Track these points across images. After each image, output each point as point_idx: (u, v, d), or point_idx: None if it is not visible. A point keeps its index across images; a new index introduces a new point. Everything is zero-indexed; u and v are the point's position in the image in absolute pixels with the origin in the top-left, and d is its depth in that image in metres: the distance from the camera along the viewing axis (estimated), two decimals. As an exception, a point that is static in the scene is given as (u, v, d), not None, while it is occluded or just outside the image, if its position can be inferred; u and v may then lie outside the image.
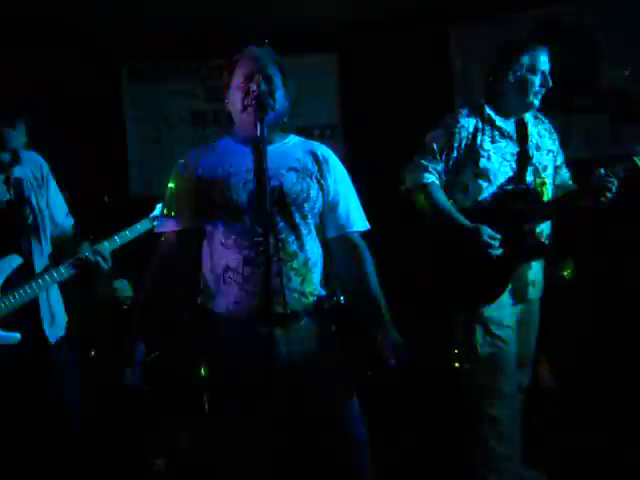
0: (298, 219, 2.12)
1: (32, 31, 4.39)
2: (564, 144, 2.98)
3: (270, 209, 1.97)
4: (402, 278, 2.83)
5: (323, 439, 2.12)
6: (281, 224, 2.09)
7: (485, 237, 2.62)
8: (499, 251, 2.64)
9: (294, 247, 2.11)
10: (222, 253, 2.11)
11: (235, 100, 2.14)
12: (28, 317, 2.42)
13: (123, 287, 3.86)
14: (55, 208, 2.60)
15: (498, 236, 2.63)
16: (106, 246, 2.56)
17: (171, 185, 2.20)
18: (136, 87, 5.07)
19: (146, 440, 3.22)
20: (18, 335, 2.38)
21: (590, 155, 4.06)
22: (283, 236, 2.09)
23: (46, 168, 2.58)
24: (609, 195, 2.64)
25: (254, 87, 2.07)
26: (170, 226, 2.18)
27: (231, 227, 2.09)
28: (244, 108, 2.10)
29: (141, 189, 5.02)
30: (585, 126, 4.20)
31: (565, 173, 2.94)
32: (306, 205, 2.13)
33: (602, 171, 2.66)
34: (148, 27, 4.58)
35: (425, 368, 3.70)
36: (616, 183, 2.64)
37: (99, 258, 2.52)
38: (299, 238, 2.12)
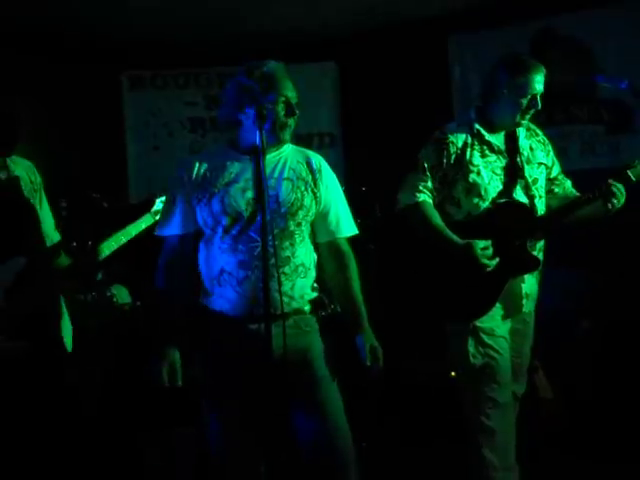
0: (292, 227, 2.22)
1: (32, 39, 4.41)
2: (562, 155, 2.99)
3: (267, 217, 2.08)
4: (398, 288, 2.84)
5: (309, 433, 2.21)
6: (276, 231, 2.16)
7: (478, 251, 2.63)
8: (493, 262, 2.66)
9: (287, 253, 2.20)
10: (218, 256, 2.22)
11: None
12: (43, 324, 2.39)
13: (121, 293, 3.86)
14: (46, 220, 2.55)
15: (489, 246, 2.64)
16: (102, 252, 2.52)
17: (171, 190, 2.30)
18: (136, 95, 5.09)
19: (142, 440, 3.23)
20: (28, 344, 2.32)
21: (588, 166, 4.09)
22: (277, 242, 2.16)
23: (39, 178, 2.55)
24: (615, 201, 2.65)
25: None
26: (171, 230, 2.28)
27: (228, 232, 2.19)
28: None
29: (140, 195, 5.03)
30: (582, 137, 4.23)
31: (566, 182, 2.93)
32: (300, 213, 2.23)
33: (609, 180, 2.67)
34: (148, 36, 4.60)
35: (421, 378, 3.73)
36: (622, 190, 2.66)
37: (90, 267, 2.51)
38: (292, 245, 2.22)
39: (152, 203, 2.77)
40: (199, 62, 5.04)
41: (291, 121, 2.21)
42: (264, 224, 2.04)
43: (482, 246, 2.64)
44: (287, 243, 2.20)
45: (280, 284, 2.15)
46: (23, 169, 2.50)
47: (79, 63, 4.69)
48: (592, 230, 2.77)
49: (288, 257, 2.20)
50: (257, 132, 2.08)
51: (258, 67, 2.19)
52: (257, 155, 2.03)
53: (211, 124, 5.12)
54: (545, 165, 2.86)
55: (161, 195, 2.65)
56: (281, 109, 2.17)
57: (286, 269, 2.19)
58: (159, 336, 2.23)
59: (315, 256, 2.32)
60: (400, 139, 3.80)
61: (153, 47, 4.80)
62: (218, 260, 2.21)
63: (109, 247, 2.56)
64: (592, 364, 3.64)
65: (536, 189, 2.79)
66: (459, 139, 2.75)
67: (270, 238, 2.11)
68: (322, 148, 4.94)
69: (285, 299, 2.17)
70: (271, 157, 2.23)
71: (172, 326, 2.23)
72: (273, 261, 2.13)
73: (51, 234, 2.57)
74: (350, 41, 4.86)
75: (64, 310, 2.51)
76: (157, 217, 2.62)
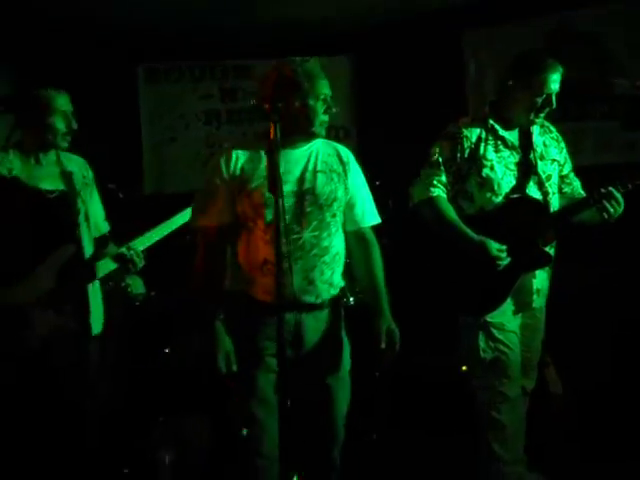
0: (329, 218, 2.33)
1: (48, 31, 4.44)
2: (577, 151, 2.97)
3: (306, 209, 2.26)
4: (410, 282, 2.86)
5: (315, 414, 2.36)
6: (315, 222, 2.28)
7: (494, 251, 2.64)
8: (506, 261, 2.66)
9: (326, 243, 2.31)
10: (261, 247, 2.27)
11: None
12: (77, 307, 2.58)
13: (135, 284, 3.90)
14: (97, 212, 2.76)
15: (504, 249, 2.65)
16: (144, 241, 2.69)
17: (210, 180, 2.31)
18: (152, 87, 5.12)
19: (154, 433, 3.27)
20: (76, 322, 2.55)
21: (603, 162, 4.08)
22: (317, 233, 2.29)
23: (91, 173, 2.77)
24: (611, 208, 2.64)
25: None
26: (209, 220, 2.30)
27: (270, 224, 2.22)
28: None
29: (156, 187, 5.09)
30: (598, 133, 4.21)
31: (575, 182, 2.93)
32: (335, 204, 2.34)
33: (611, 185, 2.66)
34: (164, 28, 4.63)
35: (433, 372, 3.75)
36: (620, 196, 2.65)
37: (134, 255, 2.64)
38: (330, 235, 2.32)
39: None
40: (214, 54, 5.06)
41: (328, 118, 2.30)
42: (278, 219, 2.05)
43: (498, 247, 2.65)
44: (325, 233, 2.30)
45: (322, 273, 2.28)
46: (76, 164, 2.70)
47: (95, 56, 4.72)
48: (605, 226, 2.75)
49: (327, 247, 2.30)
50: (277, 126, 2.08)
51: (301, 64, 2.27)
52: (271, 150, 2.05)
53: (227, 116, 5.16)
54: (558, 162, 2.86)
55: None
56: (320, 106, 2.26)
57: (326, 258, 2.30)
58: (209, 325, 2.25)
59: (345, 245, 2.41)
60: (414, 133, 3.79)
61: (168, 39, 4.83)
62: (261, 251, 2.26)
63: (151, 238, 2.71)
64: (603, 360, 3.64)
65: (550, 185, 2.79)
66: (473, 134, 2.75)
67: (305, 229, 2.25)
68: (336, 141, 4.94)
69: (325, 286, 2.31)
70: (303, 150, 2.32)
71: (219, 315, 2.28)
72: (316, 251, 2.27)
73: (100, 224, 2.78)
74: (365, 35, 4.86)
75: (99, 295, 2.68)
76: None
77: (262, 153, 2.25)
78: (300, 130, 2.28)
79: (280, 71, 2.27)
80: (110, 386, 2.81)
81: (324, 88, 2.27)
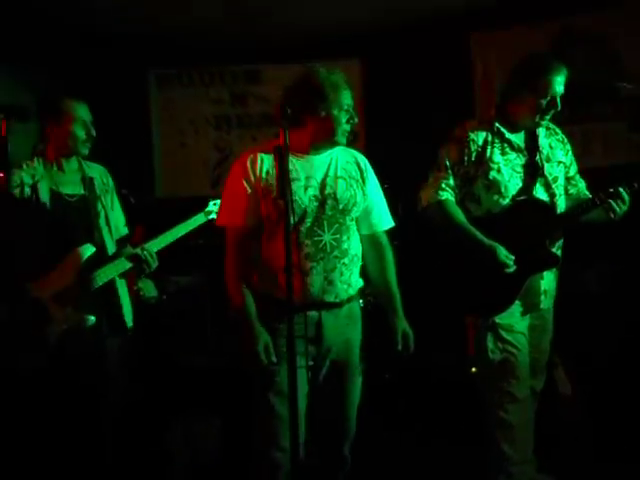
0: (348, 221, 2.42)
1: (59, 36, 4.50)
2: (583, 152, 2.99)
3: (327, 212, 2.34)
4: (419, 284, 2.89)
5: (325, 412, 2.44)
6: (336, 226, 2.37)
7: (502, 257, 2.67)
8: (512, 269, 2.69)
9: (345, 245, 2.40)
10: (283, 249, 2.26)
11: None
12: (108, 303, 2.72)
13: (147, 287, 3.94)
14: (118, 217, 2.91)
15: (513, 258, 2.68)
16: (158, 243, 2.80)
17: (237, 180, 2.37)
18: (162, 92, 5.18)
19: (170, 434, 3.30)
20: (93, 318, 2.66)
21: (609, 163, 4.09)
22: (337, 236, 2.37)
23: (111, 181, 2.92)
24: (617, 207, 2.67)
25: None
26: (236, 220, 2.38)
27: (295, 228, 2.30)
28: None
29: (167, 191, 5.13)
30: (604, 134, 4.22)
31: (581, 183, 2.95)
32: (354, 209, 2.43)
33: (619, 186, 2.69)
34: (174, 33, 4.67)
35: (442, 371, 3.77)
36: (625, 195, 2.68)
37: (147, 256, 2.74)
38: (349, 238, 2.41)
39: (205, 203, 2.97)
40: (224, 60, 5.11)
41: (350, 127, 2.37)
42: (288, 223, 2.10)
43: (506, 254, 2.68)
44: (345, 236, 2.39)
45: (341, 274, 2.36)
46: (97, 172, 2.86)
47: (107, 61, 4.77)
48: (615, 225, 2.78)
49: (346, 249, 2.39)
50: (286, 132, 2.13)
51: (327, 74, 2.33)
52: (281, 155, 2.10)
53: (237, 121, 5.20)
54: (564, 164, 2.88)
55: (214, 198, 2.88)
56: (344, 116, 2.33)
57: (346, 260, 2.38)
58: (245, 322, 2.32)
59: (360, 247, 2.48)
60: (423, 136, 3.82)
61: (179, 45, 4.87)
62: (282, 253, 2.26)
63: (164, 240, 2.81)
64: (612, 360, 3.64)
65: (556, 187, 2.81)
66: (479, 137, 2.77)
67: (327, 231, 2.33)
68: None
69: (344, 286, 2.39)
70: (324, 157, 2.40)
71: (253, 310, 2.34)
72: (336, 253, 2.35)
73: (120, 229, 2.92)
74: (373, 39, 4.89)
75: (126, 292, 2.82)
76: (210, 217, 2.92)
77: (287, 160, 2.28)
78: (324, 138, 2.35)
79: (307, 80, 2.33)
80: (126, 381, 2.88)
81: (347, 99, 2.34)
